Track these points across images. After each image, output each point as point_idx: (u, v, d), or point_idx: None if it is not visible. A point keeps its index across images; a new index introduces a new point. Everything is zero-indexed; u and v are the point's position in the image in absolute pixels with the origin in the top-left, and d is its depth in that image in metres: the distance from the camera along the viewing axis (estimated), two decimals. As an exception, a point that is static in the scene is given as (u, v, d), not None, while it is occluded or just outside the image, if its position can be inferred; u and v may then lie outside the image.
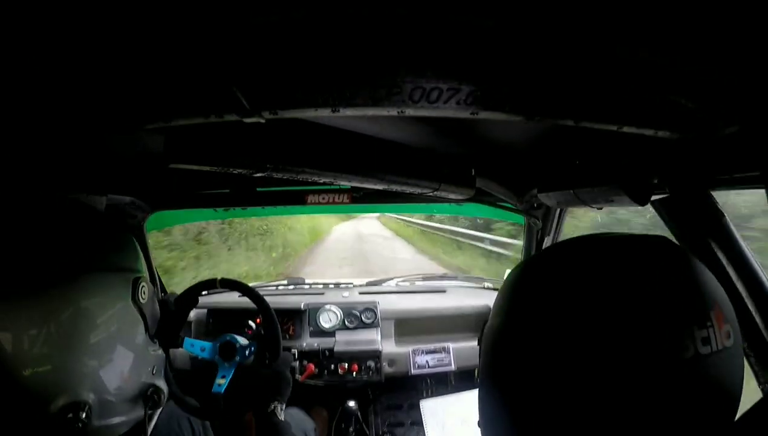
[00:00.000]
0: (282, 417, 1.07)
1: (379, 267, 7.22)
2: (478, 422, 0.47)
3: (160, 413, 1.19)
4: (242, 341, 1.17)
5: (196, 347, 1.17)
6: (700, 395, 0.35)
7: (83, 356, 0.62)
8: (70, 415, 0.60)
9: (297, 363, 1.52)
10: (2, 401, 0.58)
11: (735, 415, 0.39)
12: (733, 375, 0.37)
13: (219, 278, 1.18)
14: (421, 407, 1.26)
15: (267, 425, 1.04)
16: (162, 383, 0.76)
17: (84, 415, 0.60)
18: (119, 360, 0.67)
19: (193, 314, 1.64)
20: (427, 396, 1.57)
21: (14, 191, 0.72)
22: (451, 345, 1.59)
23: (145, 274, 0.74)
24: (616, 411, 0.34)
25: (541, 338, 0.37)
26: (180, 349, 1.16)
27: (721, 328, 0.36)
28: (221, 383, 1.11)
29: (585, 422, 0.35)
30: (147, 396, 0.72)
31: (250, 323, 1.53)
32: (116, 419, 0.67)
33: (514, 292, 0.43)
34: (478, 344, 0.48)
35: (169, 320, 1.03)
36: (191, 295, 1.16)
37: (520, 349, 0.39)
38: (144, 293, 0.71)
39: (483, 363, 0.45)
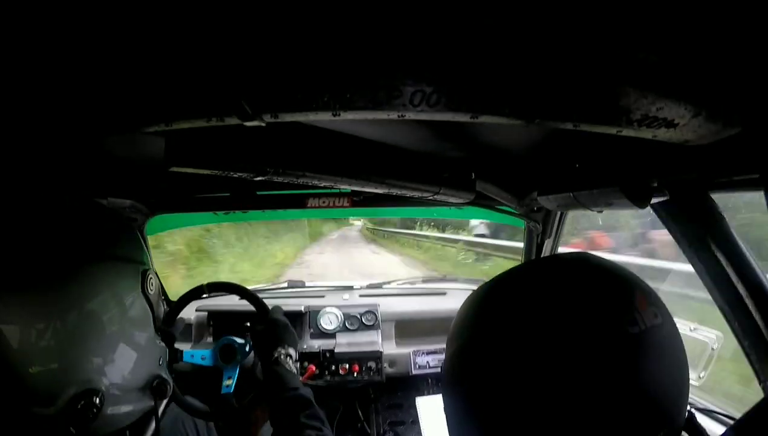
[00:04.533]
0: (289, 364, 0.98)
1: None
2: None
3: (166, 415, 1.19)
4: (240, 340, 1.16)
5: (197, 357, 1.16)
6: (643, 366, 0.39)
7: (96, 344, 0.63)
8: (83, 402, 0.60)
9: (298, 364, 1.51)
10: (19, 389, 0.58)
11: (686, 388, 0.43)
12: (669, 347, 0.42)
13: (205, 283, 1.17)
14: (416, 404, 1.26)
15: (270, 375, 0.96)
16: (167, 375, 0.77)
17: (98, 400, 0.61)
18: (130, 349, 0.68)
19: (193, 317, 1.63)
20: (426, 394, 1.56)
21: (18, 192, 0.72)
22: (451, 347, 1.59)
23: (152, 267, 0.75)
24: (572, 415, 0.38)
25: (492, 367, 0.42)
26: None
27: (645, 309, 0.41)
28: (229, 384, 1.11)
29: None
30: (154, 387, 0.73)
31: (248, 324, 1.53)
32: (126, 408, 0.68)
33: (466, 324, 0.48)
34: (441, 371, 0.52)
35: (164, 337, 1.03)
36: (180, 308, 1.16)
37: (477, 377, 0.43)
38: (152, 284, 0.73)
39: (445, 385, 0.50)
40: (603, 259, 0.47)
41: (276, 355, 0.98)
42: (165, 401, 1.12)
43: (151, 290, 0.73)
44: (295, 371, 0.98)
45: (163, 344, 0.78)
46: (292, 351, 1.02)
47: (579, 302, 0.41)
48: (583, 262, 0.46)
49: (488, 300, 0.48)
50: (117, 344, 0.65)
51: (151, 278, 0.73)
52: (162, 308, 0.79)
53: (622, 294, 0.42)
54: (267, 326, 1.08)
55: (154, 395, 0.73)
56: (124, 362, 0.66)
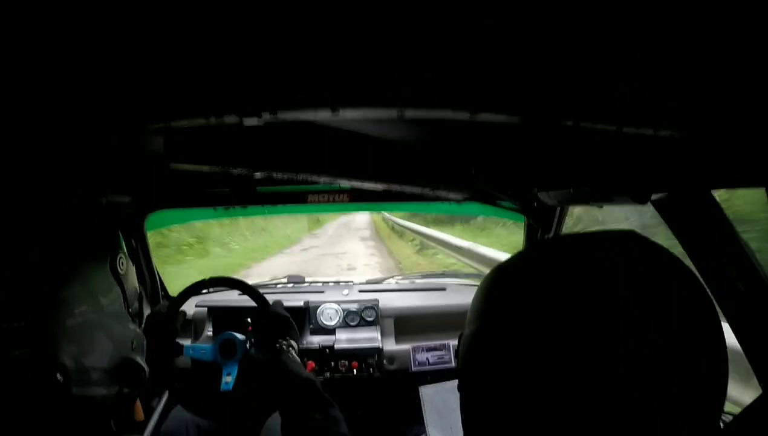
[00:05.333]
0: (292, 354, 1.00)
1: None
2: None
3: (170, 417, 1.19)
4: (240, 336, 1.17)
5: (197, 351, 1.17)
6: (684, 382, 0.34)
7: (58, 319, 0.61)
8: (46, 376, 0.59)
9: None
10: None
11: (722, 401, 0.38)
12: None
13: (208, 277, 1.18)
14: (420, 393, 1.26)
15: (274, 364, 0.98)
16: (142, 362, 0.75)
17: (60, 377, 0.60)
18: (97, 328, 0.66)
19: (192, 313, 1.64)
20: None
21: (16, 190, 0.72)
22: (451, 342, 1.60)
23: (125, 251, 0.74)
24: (596, 411, 0.33)
25: (523, 345, 0.36)
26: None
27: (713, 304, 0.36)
28: (228, 380, 1.12)
29: (571, 421, 0.34)
30: (126, 370, 0.71)
31: (249, 320, 1.54)
32: (96, 390, 0.66)
33: (489, 297, 0.42)
34: (455, 356, 0.46)
35: (165, 329, 1.03)
36: (182, 301, 1.16)
37: (499, 356, 0.38)
38: (122, 264, 0.72)
39: (462, 371, 0.44)
40: (660, 247, 0.39)
41: (278, 346, 1.00)
42: (166, 398, 1.12)
43: (122, 269, 0.71)
44: (297, 359, 0.99)
45: (139, 330, 0.76)
46: (294, 343, 1.04)
47: (651, 286, 0.35)
48: (637, 240, 0.39)
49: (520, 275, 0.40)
50: (82, 321, 0.64)
51: (121, 258, 0.71)
52: (137, 294, 0.77)
53: (693, 282, 0.37)
54: (269, 319, 1.09)
55: (126, 381, 0.71)
56: (89, 340, 0.64)
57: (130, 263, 0.75)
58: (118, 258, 0.71)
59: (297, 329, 1.10)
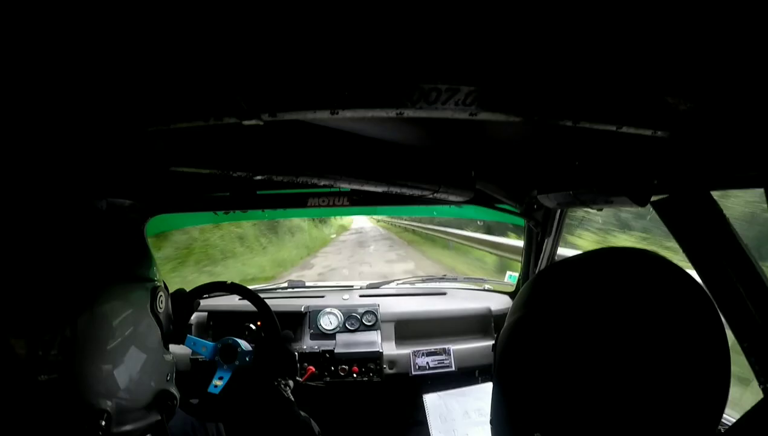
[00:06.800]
0: (288, 393, 1.03)
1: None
2: (491, 420, 0.50)
3: (178, 422, 1.18)
4: (244, 345, 1.17)
5: (198, 345, 1.16)
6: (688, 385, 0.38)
7: (101, 364, 0.61)
8: (89, 423, 0.59)
9: (297, 365, 1.52)
10: (21, 409, 0.57)
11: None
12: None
13: (229, 281, 1.18)
14: (424, 400, 1.26)
15: (271, 399, 1.00)
16: (175, 390, 0.76)
17: (103, 423, 0.60)
18: (137, 367, 0.66)
19: (193, 317, 1.64)
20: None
21: (18, 193, 0.72)
22: (451, 347, 1.59)
23: (162, 283, 0.74)
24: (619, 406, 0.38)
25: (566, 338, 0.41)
26: (181, 351, 1.16)
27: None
28: (218, 384, 1.11)
29: (601, 414, 0.38)
30: (161, 402, 0.71)
31: (250, 325, 1.53)
32: (133, 426, 0.66)
33: (536, 291, 0.47)
34: (493, 349, 0.52)
35: (176, 314, 1.03)
36: (200, 294, 1.16)
37: (537, 340, 0.43)
38: (161, 301, 0.71)
39: (500, 361, 0.48)
40: (673, 265, 0.44)
41: (276, 383, 1.03)
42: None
43: (161, 308, 0.71)
44: (293, 399, 1.03)
45: (172, 358, 0.76)
46: (291, 382, 1.08)
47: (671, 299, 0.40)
48: (654, 259, 0.45)
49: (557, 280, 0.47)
50: (124, 365, 0.64)
51: (160, 295, 0.71)
52: (170, 321, 0.77)
53: (701, 297, 0.41)
54: (275, 352, 1.12)
55: (160, 410, 0.72)
56: (130, 383, 0.65)
57: (167, 293, 0.75)
58: (158, 297, 0.71)
59: (297, 368, 1.12)
